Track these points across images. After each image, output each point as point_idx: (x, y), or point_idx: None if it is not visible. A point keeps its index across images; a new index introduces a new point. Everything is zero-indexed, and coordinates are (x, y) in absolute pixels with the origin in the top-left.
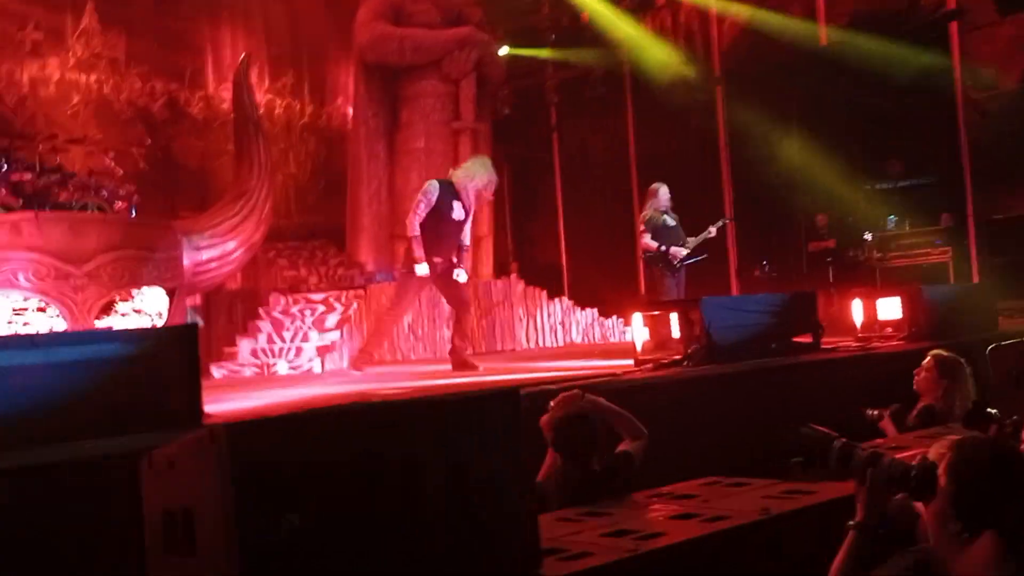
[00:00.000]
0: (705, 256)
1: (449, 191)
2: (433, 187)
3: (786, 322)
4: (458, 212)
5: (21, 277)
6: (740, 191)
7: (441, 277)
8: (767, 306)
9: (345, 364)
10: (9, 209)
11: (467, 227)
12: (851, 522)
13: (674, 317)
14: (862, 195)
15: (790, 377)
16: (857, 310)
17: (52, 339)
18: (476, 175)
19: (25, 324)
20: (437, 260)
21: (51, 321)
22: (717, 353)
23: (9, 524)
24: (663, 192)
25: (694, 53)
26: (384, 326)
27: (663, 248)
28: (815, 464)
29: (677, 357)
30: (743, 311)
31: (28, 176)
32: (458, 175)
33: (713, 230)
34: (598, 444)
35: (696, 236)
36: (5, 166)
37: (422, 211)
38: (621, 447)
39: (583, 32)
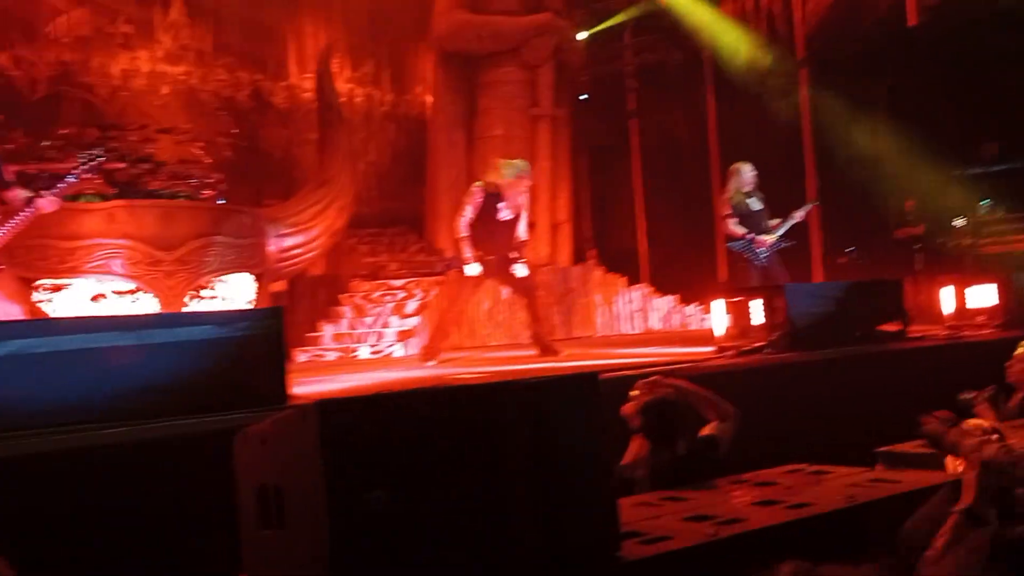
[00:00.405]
0: (792, 243)
1: (494, 192)
2: (478, 188)
3: (871, 310)
4: (504, 212)
5: (115, 263)
6: (825, 176)
7: (498, 273)
8: (852, 293)
9: None
10: (104, 198)
11: (520, 223)
12: (957, 507)
13: (756, 304)
14: (953, 180)
15: (875, 366)
16: (947, 298)
17: (146, 322)
18: (506, 176)
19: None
20: (490, 258)
21: (135, 305)
22: (800, 340)
23: (106, 499)
24: (746, 172)
25: (776, 36)
26: (445, 324)
27: (749, 235)
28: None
29: (759, 344)
30: (827, 298)
31: (121, 165)
32: (501, 175)
33: (798, 215)
34: (683, 428)
35: (782, 222)
36: (100, 156)
37: (468, 213)
38: (707, 430)
39: (661, 17)
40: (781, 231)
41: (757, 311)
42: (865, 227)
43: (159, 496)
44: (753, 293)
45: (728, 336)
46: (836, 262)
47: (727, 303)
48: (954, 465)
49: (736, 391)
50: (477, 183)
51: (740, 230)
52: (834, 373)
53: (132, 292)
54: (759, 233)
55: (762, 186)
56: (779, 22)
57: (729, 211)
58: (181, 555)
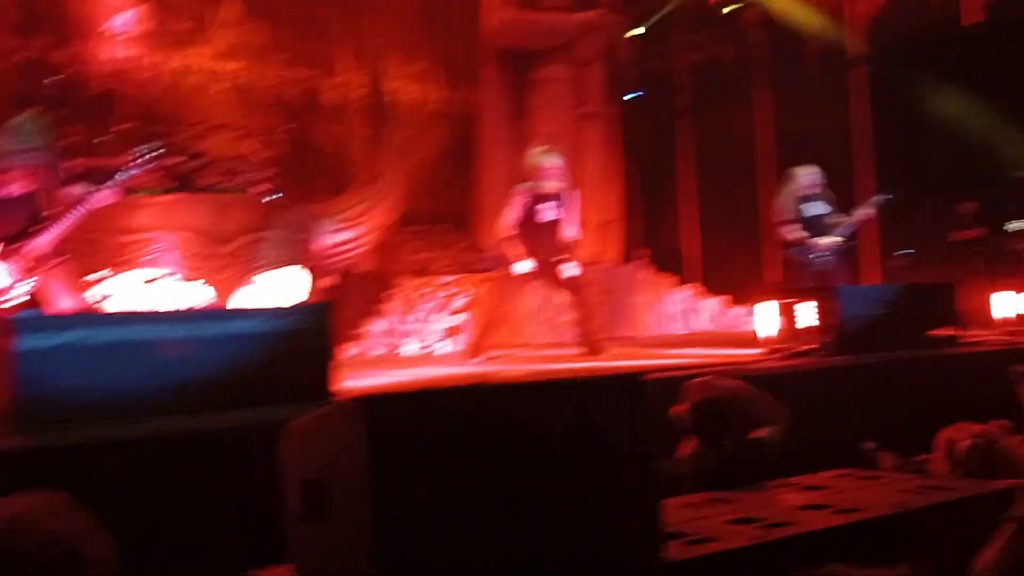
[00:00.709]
0: (853, 243)
1: (539, 192)
2: (522, 189)
3: (926, 313)
4: (549, 212)
5: (170, 257)
6: (885, 175)
7: (545, 273)
8: (906, 296)
9: None
10: (158, 192)
11: (567, 223)
12: (1013, 514)
13: (806, 306)
14: (1013, 182)
15: (928, 370)
16: (1003, 302)
17: (196, 314)
18: (529, 170)
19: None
20: (535, 259)
21: (187, 298)
22: (852, 343)
23: (154, 490)
24: (800, 176)
25: (836, 29)
26: (491, 322)
27: (803, 239)
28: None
29: (809, 347)
30: (881, 300)
31: (176, 161)
32: (528, 162)
33: (860, 214)
34: (734, 429)
35: (841, 224)
36: (155, 151)
37: (513, 214)
38: (758, 433)
39: (713, 12)
40: (839, 233)
41: (807, 313)
42: (923, 228)
43: (206, 488)
44: (804, 295)
45: (777, 338)
46: (892, 264)
47: (779, 304)
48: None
49: (785, 394)
50: (521, 183)
51: (794, 234)
52: (885, 377)
53: (185, 285)
54: (819, 236)
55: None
56: (840, 14)
57: (782, 216)
58: (227, 545)
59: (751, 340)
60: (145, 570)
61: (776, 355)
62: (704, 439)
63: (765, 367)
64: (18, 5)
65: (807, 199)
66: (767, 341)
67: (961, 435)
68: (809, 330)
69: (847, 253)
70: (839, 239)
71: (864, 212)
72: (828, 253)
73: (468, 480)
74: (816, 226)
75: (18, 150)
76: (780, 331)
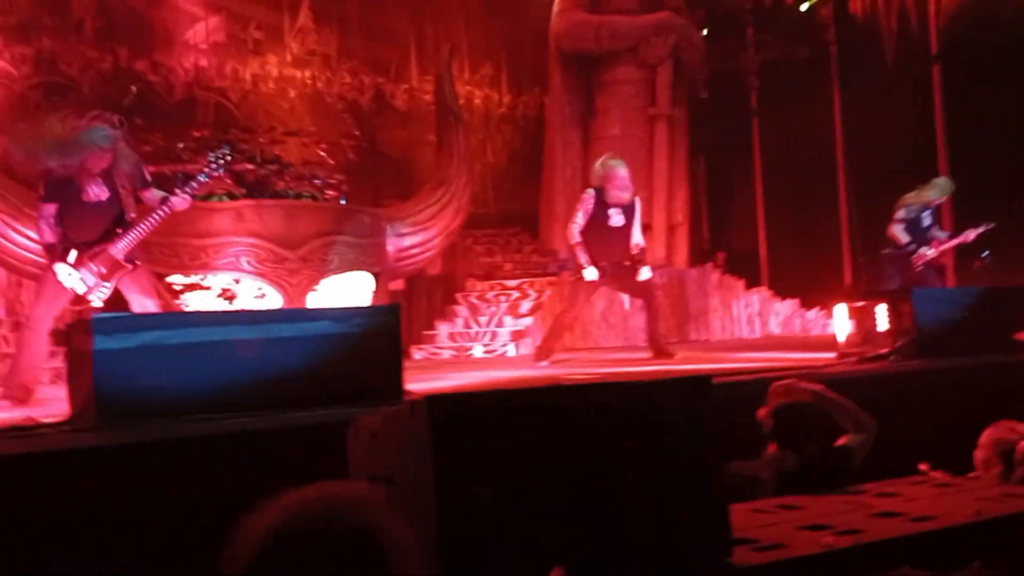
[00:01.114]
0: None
1: (607, 197)
2: (589, 195)
3: (1005, 318)
4: (617, 218)
5: (244, 261)
6: (960, 178)
7: (614, 279)
8: (984, 300)
9: None
10: (233, 197)
11: (634, 228)
12: None
13: (881, 309)
14: None
15: (1006, 376)
16: None
17: (270, 316)
18: (597, 178)
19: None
20: (604, 264)
21: (260, 301)
22: (928, 348)
23: (228, 484)
24: (941, 188)
25: (909, 31)
26: (559, 326)
27: (912, 246)
28: None
29: (884, 351)
30: (957, 304)
31: (250, 166)
32: (596, 173)
33: (971, 235)
34: (816, 435)
35: (949, 238)
36: (228, 156)
37: (580, 219)
38: (843, 440)
39: (785, 13)
40: (943, 248)
41: (882, 317)
42: (1002, 230)
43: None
44: (878, 298)
45: (851, 342)
46: (971, 267)
47: (850, 308)
48: None
49: (858, 399)
50: (589, 189)
51: (905, 238)
52: (963, 383)
53: (258, 288)
54: (920, 246)
55: (896, 189)
56: (912, 15)
57: (902, 216)
58: None
59: (826, 344)
60: (212, 566)
61: (848, 360)
62: (786, 443)
63: (836, 372)
64: (101, 16)
65: (927, 208)
66: (845, 345)
67: (1011, 435)
68: (884, 334)
69: (939, 266)
70: (937, 253)
71: (966, 235)
72: (926, 265)
73: (532, 480)
74: (922, 237)
75: (87, 152)
76: (855, 335)
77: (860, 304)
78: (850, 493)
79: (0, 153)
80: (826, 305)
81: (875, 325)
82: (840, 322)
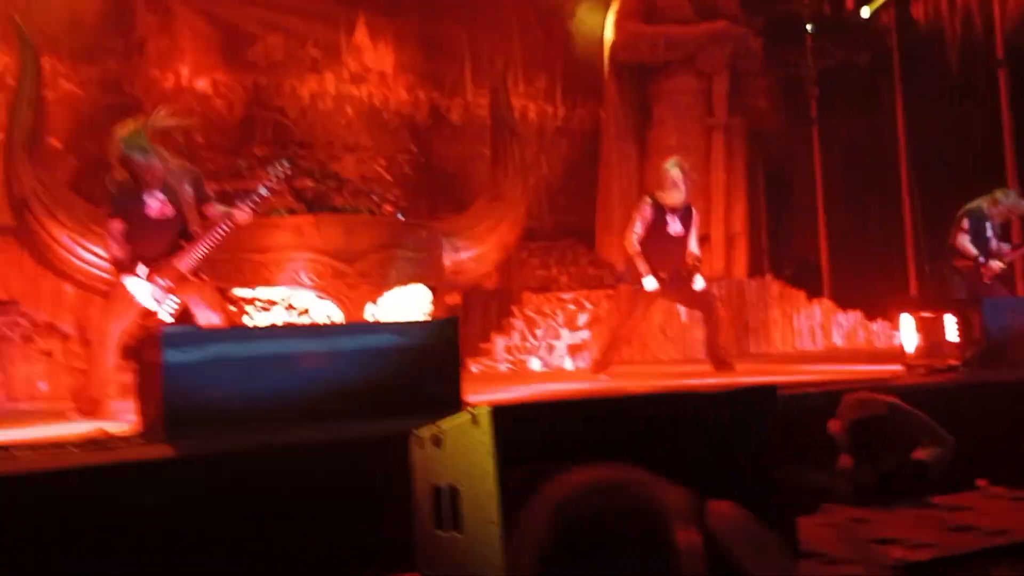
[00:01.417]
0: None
1: (665, 206)
2: (647, 202)
3: None
4: (675, 226)
5: (303, 275)
6: None
7: (671, 289)
8: None
9: None
10: (292, 212)
11: (691, 238)
12: None
13: (949, 319)
14: None
15: None
16: None
17: (331, 329)
18: (667, 175)
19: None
20: (662, 274)
21: (321, 315)
22: (998, 358)
23: (292, 494)
24: (1011, 200)
25: (974, 36)
26: (617, 338)
27: (981, 259)
28: None
29: (952, 362)
30: None
31: (309, 182)
32: (662, 178)
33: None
34: (894, 448)
35: (1014, 249)
36: (287, 169)
37: (639, 228)
38: (919, 455)
39: (845, 19)
40: (1010, 258)
41: (951, 327)
42: None
43: (340, 493)
44: (945, 308)
45: (918, 353)
46: None
47: (916, 318)
48: None
49: (927, 410)
50: (647, 197)
51: (972, 250)
52: None
53: (318, 302)
54: (987, 256)
55: (961, 196)
56: (977, 18)
57: (967, 226)
58: (357, 550)
59: (891, 355)
60: (278, 572)
61: (915, 372)
62: (861, 456)
63: (902, 384)
64: (164, 36)
65: (993, 219)
66: (912, 356)
67: None
68: (953, 345)
69: (1007, 277)
70: (1005, 265)
71: None
72: (993, 278)
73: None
74: (986, 248)
75: (136, 158)
76: (923, 345)
77: (927, 315)
78: (921, 507)
79: (70, 171)
80: (890, 316)
81: (943, 336)
82: (907, 333)
